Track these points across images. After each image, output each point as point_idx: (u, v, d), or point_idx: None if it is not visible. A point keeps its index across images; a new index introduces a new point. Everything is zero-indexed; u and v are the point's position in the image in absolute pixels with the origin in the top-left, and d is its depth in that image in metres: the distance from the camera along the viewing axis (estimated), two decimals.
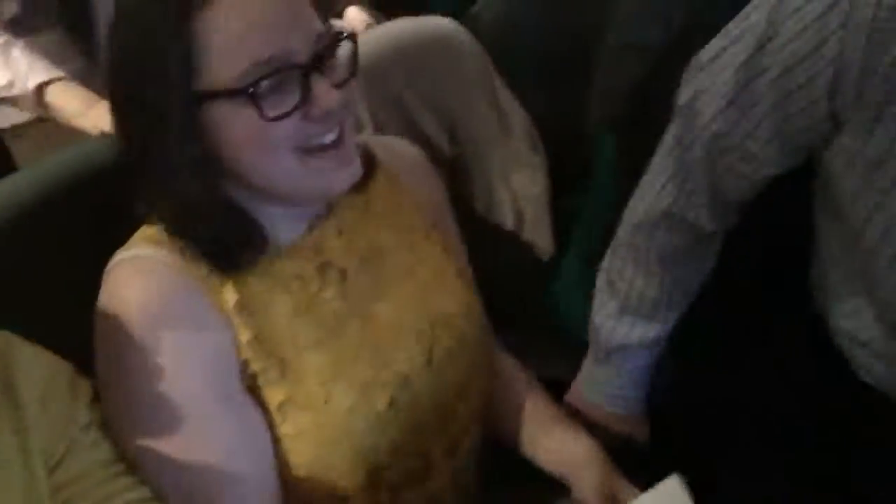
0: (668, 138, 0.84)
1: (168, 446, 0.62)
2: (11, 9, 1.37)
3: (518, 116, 1.38)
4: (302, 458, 0.67)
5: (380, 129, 1.14)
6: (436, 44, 1.26)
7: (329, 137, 0.65)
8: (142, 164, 0.65)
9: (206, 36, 0.61)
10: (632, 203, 0.90)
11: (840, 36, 0.66)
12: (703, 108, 0.77)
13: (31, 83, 1.34)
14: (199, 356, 0.64)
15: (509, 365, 0.91)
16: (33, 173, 0.78)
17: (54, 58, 1.38)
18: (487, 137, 1.35)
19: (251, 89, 0.61)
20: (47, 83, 1.34)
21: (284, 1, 0.63)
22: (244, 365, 0.66)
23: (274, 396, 0.66)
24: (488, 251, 1.33)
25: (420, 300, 0.76)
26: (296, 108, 0.62)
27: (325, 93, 0.63)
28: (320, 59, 0.64)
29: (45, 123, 1.45)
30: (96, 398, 0.64)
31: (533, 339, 1.02)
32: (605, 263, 0.95)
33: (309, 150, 0.65)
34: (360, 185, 0.74)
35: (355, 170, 0.68)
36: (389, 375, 0.71)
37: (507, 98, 1.37)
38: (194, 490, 0.63)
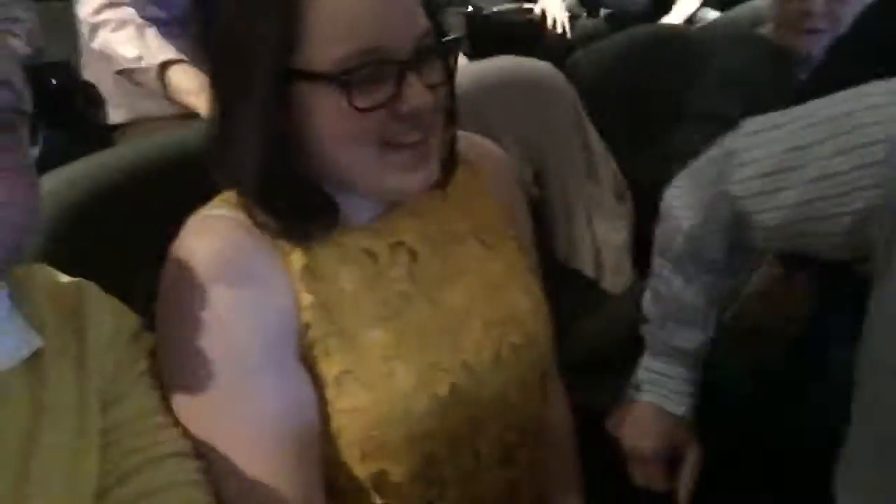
0: (711, 171, 0.84)
1: (206, 401, 0.62)
2: (154, 12, 1.49)
3: (607, 165, 1.37)
4: (355, 436, 0.65)
5: None
6: (533, 83, 1.27)
7: (412, 137, 0.64)
8: (227, 134, 0.65)
9: (312, 17, 0.61)
10: (668, 198, 0.91)
11: (878, 172, 0.66)
12: (735, 168, 0.80)
13: (160, 58, 1.44)
14: (257, 314, 0.63)
15: (562, 408, 0.88)
16: (131, 148, 0.84)
17: None
18: (574, 181, 1.34)
19: (345, 76, 0.60)
20: (173, 62, 1.45)
21: None
22: (304, 330, 0.65)
23: (331, 367, 0.65)
24: (566, 295, 1.31)
25: (492, 293, 0.74)
26: (386, 102, 0.62)
27: (417, 92, 0.62)
28: (419, 58, 0.63)
29: (140, 125, 1.57)
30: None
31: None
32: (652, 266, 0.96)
33: (389, 146, 0.64)
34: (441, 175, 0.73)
35: (431, 173, 0.67)
36: (454, 362, 0.69)
37: (597, 145, 1.36)
38: (220, 452, 0.61)
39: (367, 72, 0.61)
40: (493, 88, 1.22)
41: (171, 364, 0.63)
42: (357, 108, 0.61)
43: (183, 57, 1.46)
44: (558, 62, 1.52)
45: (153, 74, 1.44)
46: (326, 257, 0.67)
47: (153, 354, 0.64)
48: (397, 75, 0.62)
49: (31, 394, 0.55)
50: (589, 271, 1.33)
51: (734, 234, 0.83)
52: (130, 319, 0.64)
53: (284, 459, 0.62)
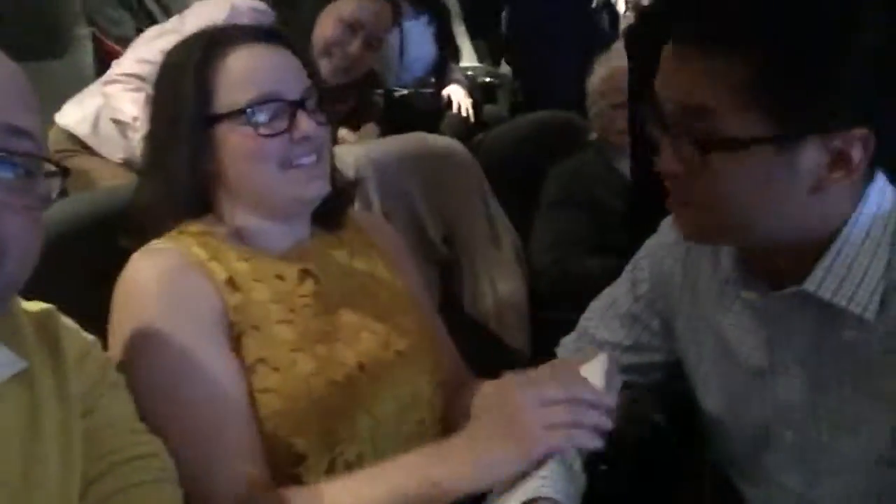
0: None
1: (171, 377, 0.76)
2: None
3: (507, 232, 1.54)
4: (268, 410, 0.79)
5: (388, 216, 1.28)
6: (443, 156, 1.44)
7: (307, 160, 0.85)
8: (158, 169, 0.85)
9: (220, 75, 0.83)
10: None
11: None
12: None
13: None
14: (195, 310, 0.80)
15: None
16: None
17: None
18: (478, 245, 1.49)
19: (251, 110, 0.82)
20: None
21: (280, 57, 0.86)
22: (230, 325, 0.81)
23: (249, 355, 0.81)
24: (473, 345, 1.44)
25: (379, 313, 0.91)
26: (283, 131, 0.83)
27: (305, 122, 0.84)
28: (305, 101, 0.85)
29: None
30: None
31: None
32: None
33: (289, 165, 0.84)
34: (338, 226, 0.95)
35: (324, 184, 0.87)
36: (347, 357, 0.85)
37: (499, 214, 1.53)
38: (180, 414, 0.75)
39: (268, 109, 0.83)
40: (409, 159, 1.38)
41: (132, 355, 0.77)
42: (262, 135, 0.82)
43: None
44: (463, 142, 1.70)
45: (140, 136, 1.60)
46: (243, 275, 0.84)
47: (118, 369, 0.72)
48: (290, 111, 0.84)
49: (27, 403, 0.61)
50: (492, 326, 1.47)
51: None
52: (94, 339, 0.71)
53: (235, 415, 0.77)
